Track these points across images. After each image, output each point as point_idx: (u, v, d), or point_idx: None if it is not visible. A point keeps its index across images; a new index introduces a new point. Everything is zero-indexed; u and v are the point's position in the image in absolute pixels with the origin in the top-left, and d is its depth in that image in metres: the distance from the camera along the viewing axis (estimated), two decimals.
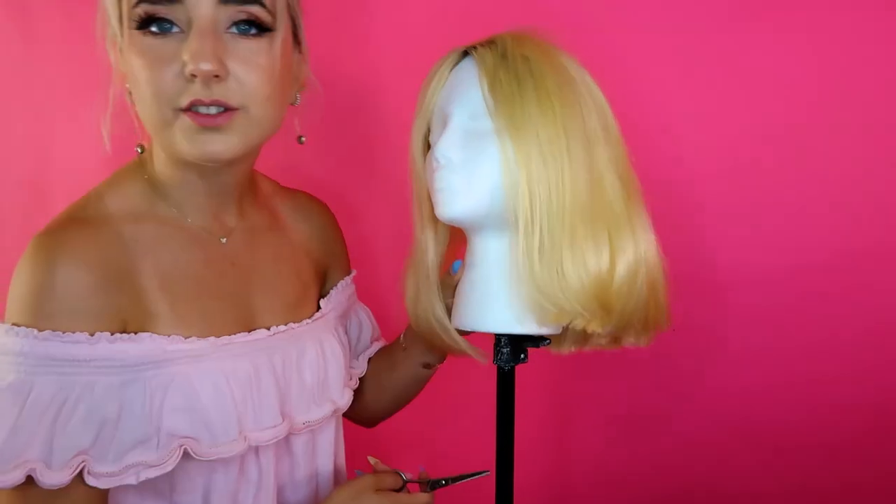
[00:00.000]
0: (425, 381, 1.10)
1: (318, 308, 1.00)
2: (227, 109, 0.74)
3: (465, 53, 0.88)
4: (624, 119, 0.87)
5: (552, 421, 1.37)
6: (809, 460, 1.25)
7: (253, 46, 0.75)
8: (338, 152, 1.38)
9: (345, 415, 1.05)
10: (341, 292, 1.05)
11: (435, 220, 0.92)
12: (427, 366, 1.07)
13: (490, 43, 0.85)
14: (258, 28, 0.76)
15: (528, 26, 0.86)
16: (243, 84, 0.74)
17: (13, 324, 0.74)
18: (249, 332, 0.86)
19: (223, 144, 0.75)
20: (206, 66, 0.71)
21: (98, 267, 0.76)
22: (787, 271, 1.21)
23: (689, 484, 1.30)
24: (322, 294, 1.04)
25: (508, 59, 0.81)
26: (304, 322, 0.94)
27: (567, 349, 0.95)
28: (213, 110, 0.74)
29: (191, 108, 0.73)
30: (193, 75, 0.72)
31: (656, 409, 1.31)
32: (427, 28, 1.29)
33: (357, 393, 1.06)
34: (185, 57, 0.71)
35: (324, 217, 1.07)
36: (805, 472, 1.25)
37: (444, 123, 0.86)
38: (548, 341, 0.92)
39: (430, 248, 0.95)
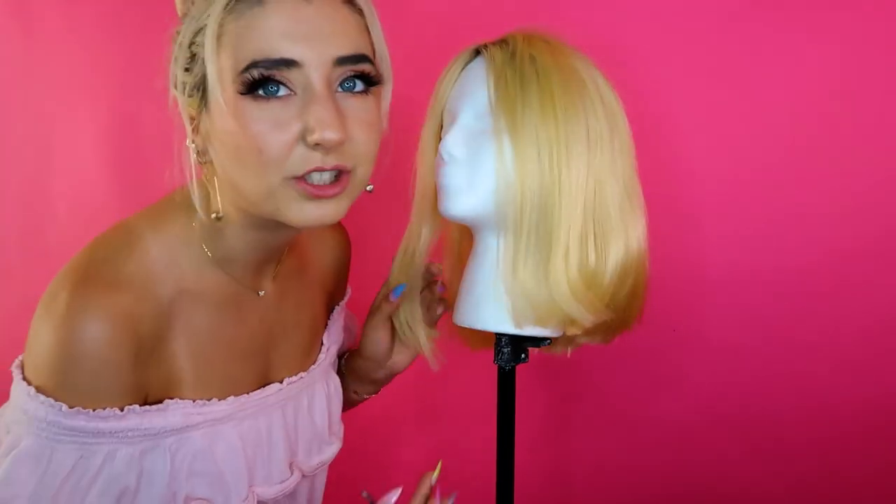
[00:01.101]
0: (350, 406, 1.08)
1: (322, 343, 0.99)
2: (340, 173, 0.70)
3: (478, 52, 0.88)
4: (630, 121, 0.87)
5: (553, 420, 1.37)
6: (809, 460, 1.25)
7: (362, 105, 0.71)
8: None
9: None
10: (337, 320, 1.02)
11: (435, 214, 0.91)
12: (356, 393, 1.05)
13: (502, 42, 0.85)
14: (365, 82, 0.72)
15: (541, 26, 0.86)
16: (357, 145, 0.70)
17: (37, 387, 0.70)
18: (264, 386, 0.85)
19: (335, 210, 0.71)
20: (335, 136, 0.66)
21: (131, 341, 0.71)
22: (784, 271, 1.20)
23: (690, 483, 1.30)
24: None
25: (516, 59, 0.81)
26: (312, 368, 0.93)
27: (559, 351, 0.95)
28: (327, 177, 0.69)
29: (304, 177, 0.69)
30: (318, 143, 0.67)
31: (657, 408, 1.31)
32: (433, 28, 1.28)
33: None
34: (311, 124, 0.66)
35: (342, 245, 1.04)
36: (805, 473, 1.25)
37: (453, 120, 0.86)
38: (548, 342, 0.92)
39: (422, 240, 0.95)
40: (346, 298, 1.06)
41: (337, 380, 0.97)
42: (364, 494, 0.91)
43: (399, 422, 1.16)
